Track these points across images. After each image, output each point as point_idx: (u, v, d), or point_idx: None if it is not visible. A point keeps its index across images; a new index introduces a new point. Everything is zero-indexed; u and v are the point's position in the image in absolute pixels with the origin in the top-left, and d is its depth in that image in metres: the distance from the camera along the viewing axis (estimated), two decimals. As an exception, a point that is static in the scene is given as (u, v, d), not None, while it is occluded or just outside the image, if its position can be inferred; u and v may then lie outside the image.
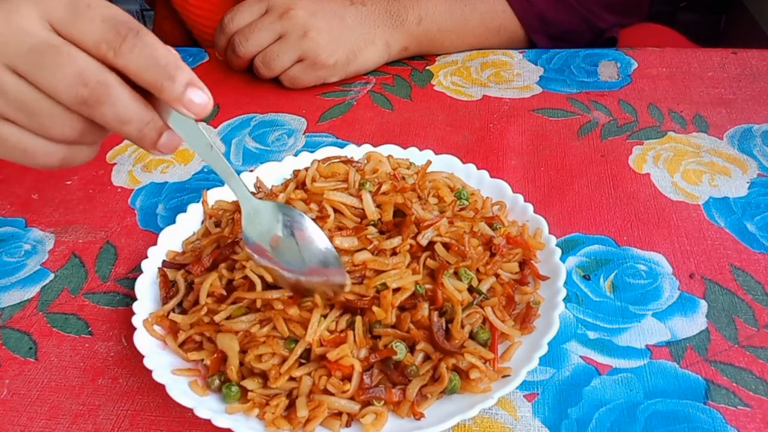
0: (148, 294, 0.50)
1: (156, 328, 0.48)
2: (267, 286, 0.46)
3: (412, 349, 0.45)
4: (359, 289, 0.45)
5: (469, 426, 0.44)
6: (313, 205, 0.50)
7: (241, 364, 0.45)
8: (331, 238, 0.47)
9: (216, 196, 0.57)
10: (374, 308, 0.44)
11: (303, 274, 0.44)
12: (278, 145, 0.70)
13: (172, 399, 0.43)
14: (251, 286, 0.46)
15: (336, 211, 0.49)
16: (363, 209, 0.49)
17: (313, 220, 0.45)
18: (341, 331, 0.44)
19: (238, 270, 0.47)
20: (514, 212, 0.55)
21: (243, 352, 0.45)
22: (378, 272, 0.46)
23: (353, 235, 0.47)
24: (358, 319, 0.45)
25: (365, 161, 0.58)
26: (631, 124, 0.69)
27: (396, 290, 0.45)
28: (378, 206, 0.50)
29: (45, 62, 0.38)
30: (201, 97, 0.40)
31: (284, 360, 0.44)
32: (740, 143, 0.66)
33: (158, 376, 0.44)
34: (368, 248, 0.47)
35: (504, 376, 0.44)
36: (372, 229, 0.48)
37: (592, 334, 0.49)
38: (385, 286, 0.45)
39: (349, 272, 0.45)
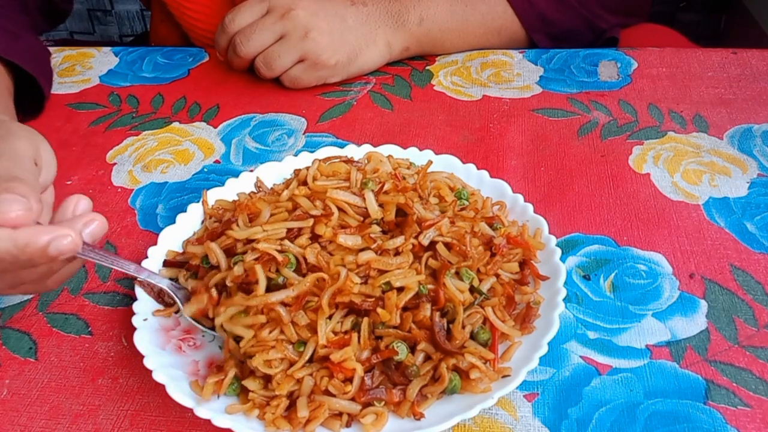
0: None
1: (156, 326, 0.48)
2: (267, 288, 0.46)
3: (413, 349, 0.45)
4: (365, 290, 0.45)
5: (469, 426, 0.44)
6: (317, 203, 0.50)
7: (242, 362, 0.45)
8: (334, 236, 0.47)
9: (216, 196, 0.57)
10: (379, 310, 0.44)
11: None
12: (278, 145, 0.70)
13: (172, 399, 0.43)
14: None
15: (338, 209, 0.49)
16: (365, 208, 0.49)
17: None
18: (345, 333, 0.44)
19: (242, 261, 0.47)
20: (514, 212, 0.55)
21: (249, 357, 0.45)
22: (382, 272, 0.46)
23: (357, 233, 0.47)
24: (365, 321, 0.45)
25: (366, 161, 0.58)
26: (631, 124, 0.69)
27: (399, 290, 0.45)
28: (380, 206, 0.50)
29: None
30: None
31: (291, 364, 0.44)
32: (740, 143, 0.66)
33: (158, 376, 0.44)
34: (372, 248, 0.47)
35: (504, 376, 0.44)
36: (375, 228, 0.48)
37: (592, 334, 0.49)
38: (389, 285, 0.45)
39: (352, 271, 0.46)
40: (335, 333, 0.44)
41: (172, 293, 0.49)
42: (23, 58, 0.71)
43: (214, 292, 0.47)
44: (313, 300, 0.45)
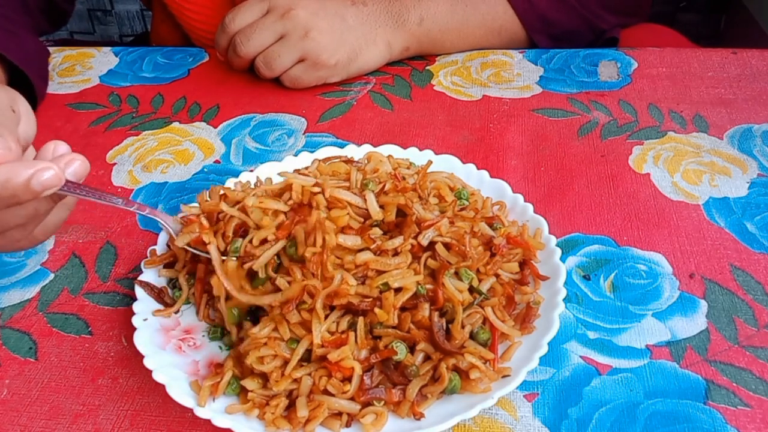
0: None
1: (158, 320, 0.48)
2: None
3: (412, 349, 0.45)
4: (362, 290, 0.45)
5: (469, 426, 0.44)
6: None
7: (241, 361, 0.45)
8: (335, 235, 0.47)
9: (216, 196, 0.57)
10: (376, 310, 0.44)
11: None
12: (278, 145, 0.70)
13: (172, 399, 0.43)
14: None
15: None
16: (366, 209, 0.49)
17: None
18: (342, 332, 0.44)
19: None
20: (514, 212, 0.55)
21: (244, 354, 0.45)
22: (380, 272, 0.46)
23: (358, 234, 0.47)
24: (361, 320, 0.45)
25: (366, 161, 0.58)
26: (631, 124, 0.69)
27: (397, 291, 0.45)
28: (381, 206, 0.50)
29: None
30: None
31: (285, 362, 0.44)
32: (740, 143, 0.66)
33: (158, 376, 0.44)
34: (371, 248, 0.47)
35: (504, 376, 0.44)
36: (377, 230, 0.48)
37: (592, 334, 0.49)
38: (387, 286, 0.45)
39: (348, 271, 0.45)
40: (331, 333, 0.44)
41: (164, 224, 0.49)
42: (17, 56, 0.70)
43: (204, 220, 0.47)
44: (307, 301, 0.45)
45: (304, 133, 0.71)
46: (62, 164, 0.42)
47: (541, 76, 0.78)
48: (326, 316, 0.45)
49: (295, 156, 0.61)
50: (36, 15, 0.83)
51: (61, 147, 0.44)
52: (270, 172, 0.59)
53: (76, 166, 0.43)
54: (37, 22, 0.84)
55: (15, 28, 0.74)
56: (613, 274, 0.53)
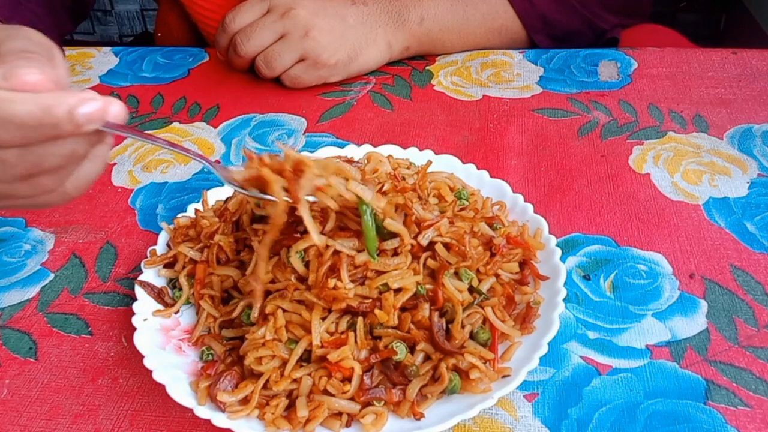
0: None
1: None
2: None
3: (412, 349, 0.45)
4: (362, 291, 0.45)
5: (469, 426, 0.44)
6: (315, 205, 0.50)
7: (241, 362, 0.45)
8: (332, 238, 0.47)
9: (216, 196, 0.57)
10: (376, 311, 0.44)
11: None
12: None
13: (172, 399, 0.43)
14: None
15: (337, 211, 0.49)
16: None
17: None
18: (342, 333, 0.44)
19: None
20: (514, 212, 0.55)
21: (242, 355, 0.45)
22: (379, 273, 0.46)
23: (355, 237, 0.47)
24: (360, 320, 0.45)
25: (365, 161, 0.58)
26: (631, 124, 0.69)
27: (397, 291, 0.45)
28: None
29: None
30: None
31: (284, 362, 0.44)
32: (740, 143, 0.66)
33: (158, 376, 0.44)
34: (369, 249, 0.47)
35: (504, 376, 0.44)
36: None
37: (592, 334, 0.49)
38: (387, 287, 0.45)
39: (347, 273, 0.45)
40: (330, 333, 0.44)
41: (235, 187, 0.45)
42: None
43: (267, 156, 0.44)
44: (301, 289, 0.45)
45: (304, 133, 0.71)
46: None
47: (541, 76, 0.78)
48: (325, 317, 0.45)
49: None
50: (60, 13, 0.83)
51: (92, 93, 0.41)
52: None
53: (116, 108, 0.40)
54: (60, 22, 0.84)
55: (40, 26, 0.75)
56: (613, 274, 0.53)
